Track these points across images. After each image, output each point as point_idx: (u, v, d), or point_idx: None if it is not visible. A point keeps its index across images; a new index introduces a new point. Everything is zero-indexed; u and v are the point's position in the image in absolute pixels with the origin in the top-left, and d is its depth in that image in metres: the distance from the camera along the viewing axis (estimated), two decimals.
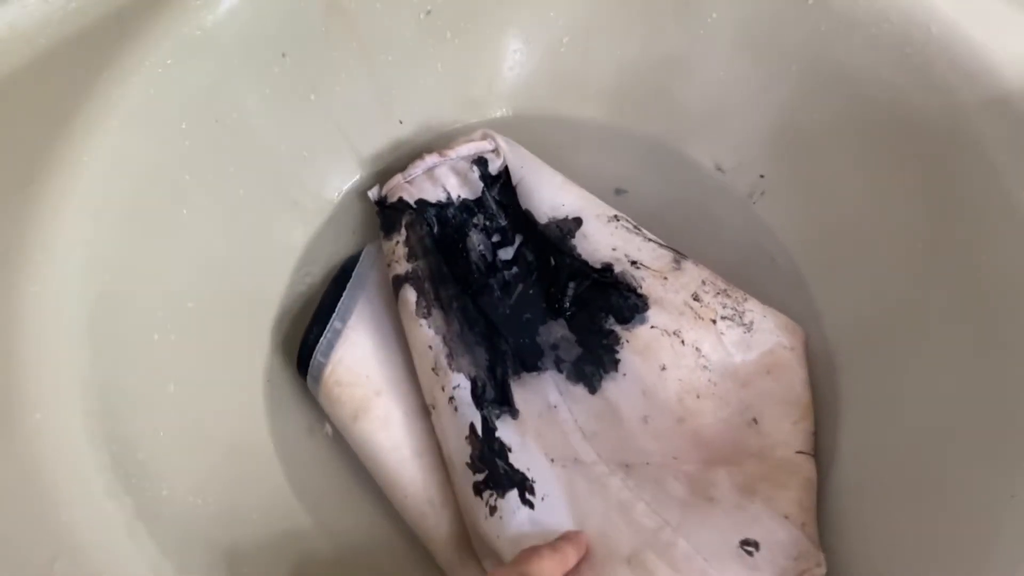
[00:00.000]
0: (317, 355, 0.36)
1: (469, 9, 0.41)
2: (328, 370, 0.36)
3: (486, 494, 0.32)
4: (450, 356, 0.35)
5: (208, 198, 0.36)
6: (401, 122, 0.43)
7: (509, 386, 0.36)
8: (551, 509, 0.33)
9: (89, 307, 0.30)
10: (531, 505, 0.32)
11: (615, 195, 0.42)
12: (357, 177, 0.42)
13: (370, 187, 0.40)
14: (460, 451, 0.33)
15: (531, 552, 0.29)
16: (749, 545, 0.31)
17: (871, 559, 0.32)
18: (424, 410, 0.36)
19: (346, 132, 0.42)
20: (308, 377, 0.36)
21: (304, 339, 0.37)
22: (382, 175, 0.42)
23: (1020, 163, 0.32)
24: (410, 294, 0.37)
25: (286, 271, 0.40)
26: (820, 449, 0.37)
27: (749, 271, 0.40)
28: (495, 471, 0.33)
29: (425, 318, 0.36)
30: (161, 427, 0.32)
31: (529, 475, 0.33)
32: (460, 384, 0.35)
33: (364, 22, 0.39)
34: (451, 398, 0.34)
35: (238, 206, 0.38)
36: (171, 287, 0.34)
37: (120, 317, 0.31)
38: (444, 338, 0.36)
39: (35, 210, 0.29)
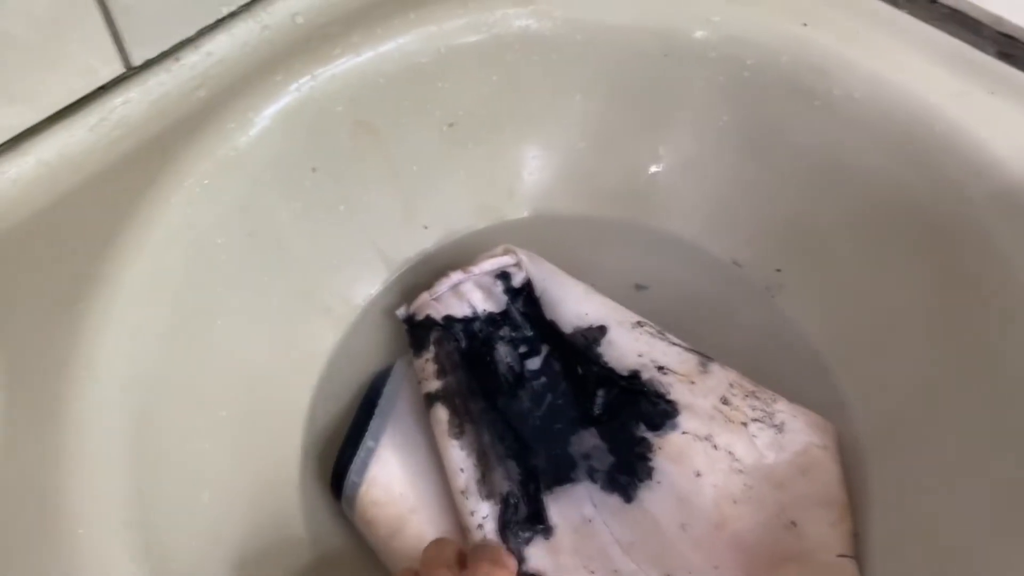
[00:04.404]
0: (351, 476, 0.37)
1: (489, 120, 0.43)
2: (363, 490, 0.36)
3: None
4: (481, 481, 0.36)
5: (241, 309, 0.38)
6: (426, 227, 0.45)
7: (543, 502, 0.36)
8: None
9: (128, 419, 0.31)
10: None
11: (636, 291, 0.43)
12: (383, 280, 0.44)
13: (397, 298, 0.42)
14: None
15: None
16: None
17: None
18: (459, 526, 0.36)
19: (374, 239, 0.43)
20: (343, 498, 0.37)
21: (337, 460, 0.37)
22: (407, 280, 0.43)
23: None
24: (442, 413, 0.37)
25: (315, 376, 0.41)
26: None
27: (771, 363, 0.40)
28: None
29: (457, 438, 0.37)
30: (196, 537, 0.32)
31: None
32: (488, 515, 0.35)
33: (390, 137, 0.41)
34: (479, 526, 0.35)
35: (270, 315, 0.39)
36: (205, 396, 0.35)
37: (157, 428, 0.32)
38: (476, 459, 0.36)
39: (80, 328, 0.31)
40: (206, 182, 0.35)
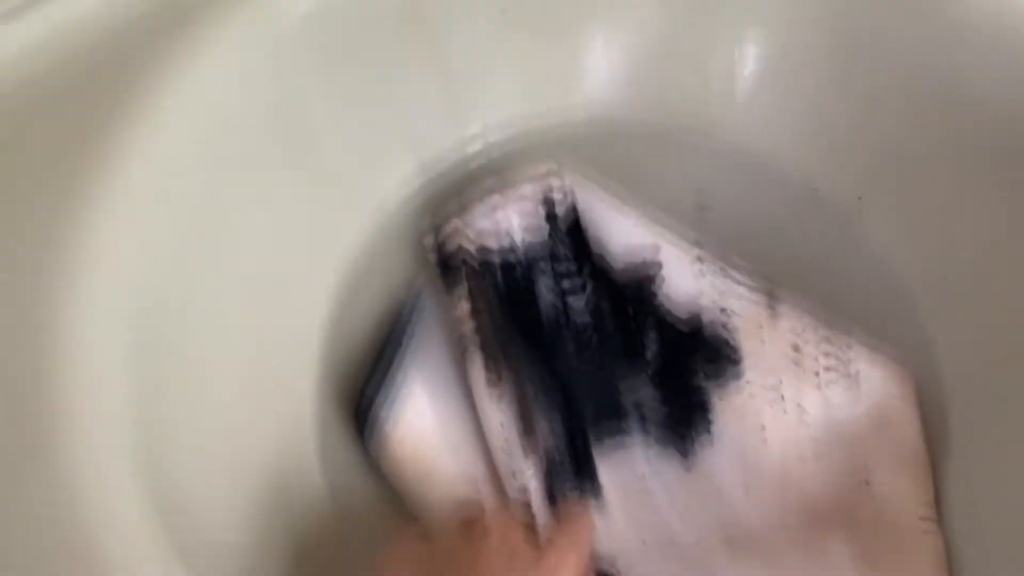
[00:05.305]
0: (379, 410, 0.33)
1: (549, 6, 0.38)
2: (389, 427, 0.33)
3: None
4: (523, 435, 0.32)
5: (259, 206, 0.34)
6: (469, 128, 0.39)
7: (593, 459, 0.33)
8: None
9: (133, 325, 0.28)
10: None
11: (698, 211, 0.38)
12: (419, 184, 0.39)
13: (429, 205, 0.37)
14: None
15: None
16: None
17: None
18: (494, 475, 0.33)
19: (413, 137, 0.38)
20: (368, 435, 0.34)
21: (363, 392, 0.34)
22: (442, 186, 0.38)
23: None
24: (477, 359, 0.33)
25: (339, 283, 0.36)
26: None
27: (849, 299, 0.36)
28: None
29: (495, 386, 0.33)
30: (203, 460, 0.30)
31: (613, 567, 0.30)
32: (531, 475, 0.32)
33: (438, 24, 0.36)
34: (523, 487, 0.32)
35: (291, 214, 0.35)
36: (218, 304, 0.32)
37: (164, 336, 0.29)
38: (517, 411, 0.33)
39: (81, 224, 0.27)
40: (234, 56, 0.31)
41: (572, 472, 0.33)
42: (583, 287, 0.35)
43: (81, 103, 0.29)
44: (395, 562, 0.26)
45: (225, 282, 0.32)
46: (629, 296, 0.35)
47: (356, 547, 0.31)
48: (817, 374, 0.33)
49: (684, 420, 0.33)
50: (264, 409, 0.33)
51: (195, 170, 0.31)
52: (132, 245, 0.28)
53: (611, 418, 0.34)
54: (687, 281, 0.34)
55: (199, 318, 0.31)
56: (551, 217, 0.35)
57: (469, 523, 0.28)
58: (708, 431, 0.33)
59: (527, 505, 0.31)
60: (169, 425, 0.29)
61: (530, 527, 0.29)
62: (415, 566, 0.26)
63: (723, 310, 0.34)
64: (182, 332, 0.30)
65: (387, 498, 0.34)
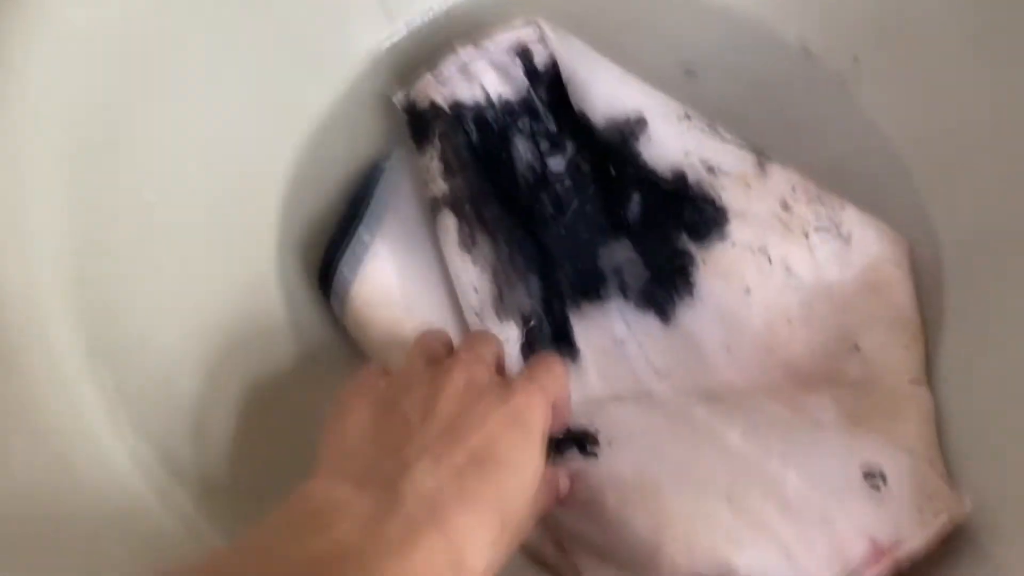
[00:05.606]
0: (342, 269, 0.32)
1: None
2: (354, 287, 0.32)
3: None
4: (498, 299, 0.31)
5: (222, 55, 0.32)
6: None
7: (569, 322, 0.31)
8: (621, 452, 0.28)
9: (70, 152, 0.26)
10: (595, 455, 0.28)
11: (684, 77, 0.36)
12: (385, 36, 0.36)
13: (398, 62, 0.34)
14: None
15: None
16: (875, 477, 0.26)
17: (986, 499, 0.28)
18: None
19: None
20: (332, 295, 0.32)
21: (326, 251, 0.32)
22: (411, 47, 0.36)
23: None
24: (450, 220, 0.32)
25: (304, 143, 0.34)
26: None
27: (843, 165, 0.34)
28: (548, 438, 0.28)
29: (469, 251, 0.31)
30: (156, 301, 0.28)
31: (590, 425, 0.29)
32: (508, 338, 0.30)
33: None
34: None
35: (256, 67, 0.33)
36: (174, 150, 0.30)
37: (112, 173, 0.28)
38: (492, 275, 0.31)
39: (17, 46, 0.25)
40: None
41: (549, 336, 0.31)
42: (563, 147, 0.33)
43: None
44: (352, 397, 0.25)
45: (181, 129, 0.30)
46: (611, 155, 0.33)
47: (321, 396, 0.30)
48: (807, 235, 0.31)
49: (665, 283, 0.32)
50: (224, 260, 0.31)
51: (145, 14, 0.29)
52: (69, 77, 0.27)
53: (589, 282, 0.32)
54: (672, 138, 0.32)
55: (153, 161, 0.30)
56: (530, 72, 0.33)
57: (434, 359, 0.26)
58: (690, 293, 0.31)
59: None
60: (115, 262, 0.27)
61: (499, 368, 0.27)
62: (372, 401, 0.24)
63: (710, 168, 0.32)
64: (132, 172, 0.29)
65: (358, 353, 0.32)
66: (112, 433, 0.24)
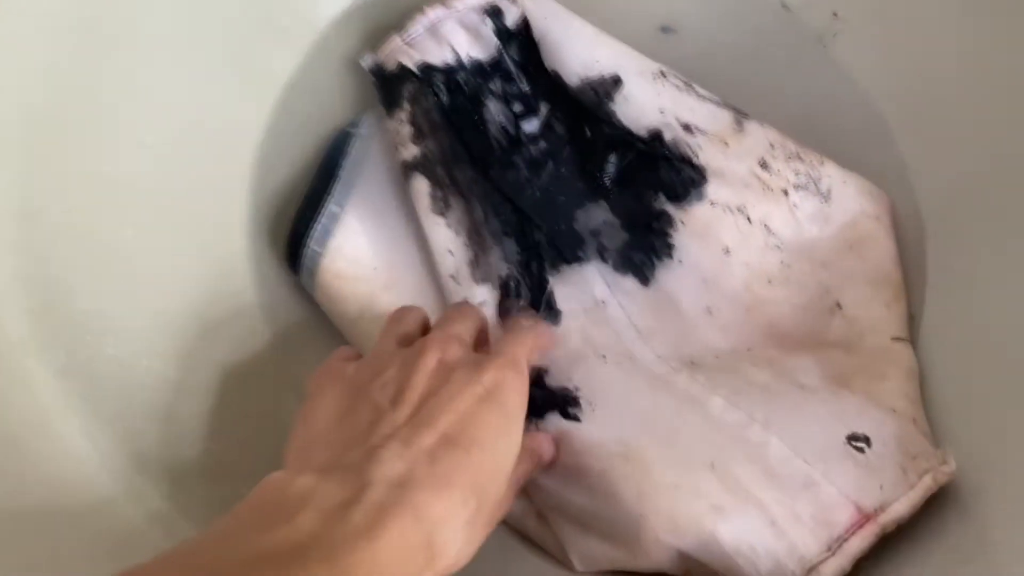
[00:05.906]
0: (310, 244, 0.31)
1: None
2: (325, 261, 0.31)
3: None
4: (474, 263, 0.30)
5: (180, 14, 0.31)
6: None
7: (548, 283, 0.31)
8: (604, 418, 0.28)
9: (16, 118, 0.25)
10: (577, 419, 0.28)
11: (661, 34, 0.35)
12: (357, 3, 0.34)
13: (366, 23, 0.33)
14: None
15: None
16: (858, 440, 0.26)
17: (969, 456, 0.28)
18: (441, 307, 0.31)
19: None
20: (301, 270, 0.31)
21: (294, 226, 0.32)
22: (382, 3, 0.34)
23: None
24: (422, 184, 0.31)
25: (270, 110, 0.33)
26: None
27: (822, 122, 0.34)
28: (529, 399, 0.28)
29: (442, 214, 0.31)
30: (114, 276, 0.27)
31: (572, 386, 0.29)
32: (485, 300, 0.30)
33: None
34: None
35: (217, 27, 0.32)
36: (133, 117, 0.29)
37: (59, 140, 0.27)
38: (467, 238, 0.30)
39: None
40: None
41: (528, 298, 0.31)
42: (536, 108, 0.33)
43: None
44: (320, 384, 0.24)
45: (143, 97, 0.29)
46: (586, 116, 0.32)
47: (296, 379, 0.29)
48: (786, 192, 0.31)
49: (644, 245, 0.31)
50: (190, 235, 0.30)
51: None
52: (22, 42, 0.26)
53: (567, 245, 0.32)
54: (648, 97, 0.31)
55: (112, 132, 0.28)
56: (500, 32, 0.32)
57: (406, 340, 0.25)
58: (669, 255, 0.31)
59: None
60: (64, 234, 0.26)
61: (474, 343, 0.26)
62: (341, 387, 0.24)
63: (686, 126, 0.31)
64: (86, 142, 0.28)
65: (334, 333, 0.32)
66: (64, 414, 0.23)
